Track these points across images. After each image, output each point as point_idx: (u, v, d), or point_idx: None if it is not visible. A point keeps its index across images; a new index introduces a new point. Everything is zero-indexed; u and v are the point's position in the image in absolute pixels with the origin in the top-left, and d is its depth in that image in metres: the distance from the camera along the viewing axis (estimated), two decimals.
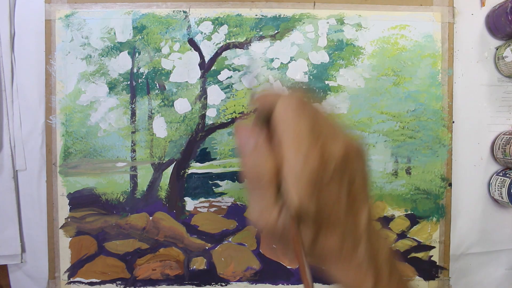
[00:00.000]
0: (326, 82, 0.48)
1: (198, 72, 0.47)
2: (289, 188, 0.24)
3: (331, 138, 0.27)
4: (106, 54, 0.46)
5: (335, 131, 0.28)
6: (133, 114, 0.47)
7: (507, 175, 0.47)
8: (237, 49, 0.47)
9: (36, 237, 0.47)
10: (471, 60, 0.49)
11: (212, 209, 0.47)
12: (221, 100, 0.47)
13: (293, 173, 0.24)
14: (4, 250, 0.46)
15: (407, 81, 0.48)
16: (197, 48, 0.47)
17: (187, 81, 0.47)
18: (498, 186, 0.48)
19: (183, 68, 0.47)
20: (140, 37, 0.46)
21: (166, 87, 0.47)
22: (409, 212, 0.49)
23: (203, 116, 0.47)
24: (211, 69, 0.47)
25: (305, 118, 0.26)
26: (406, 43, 0.48)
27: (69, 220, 0.46)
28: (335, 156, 0.25)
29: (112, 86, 0.46)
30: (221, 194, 0.47)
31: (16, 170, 0.47)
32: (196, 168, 0.47)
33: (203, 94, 0.47)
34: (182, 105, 0.47)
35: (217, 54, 0.47)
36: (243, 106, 0.47)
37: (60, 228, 0.46)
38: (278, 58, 0.47)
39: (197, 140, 0.47)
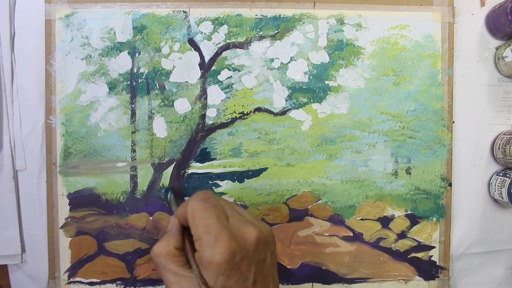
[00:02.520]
0: (326, 82, 0.48)
1: (198, 72, 0.47)
2: (202, 271, 0.28)
3: (243, 223, 0.30)
4: (106, 54, 0.46)
5: (246, 217, 0.31)
6: (133, 114, 0.47)
7: (507, 175, 0.47)
8: (237, 49, 0.47)
9: (36, 237, 0.47)
10: (471, 60, 0.49)
11: None
12: (221, 100, 0.47)
13: (204, 258, 0.27)
14: (4, 250, 0.46)
15: (407, 81, 0.48)
16: (197, 48, 0.47)
17: (187, 81, 0.47)
18: (498, 186, 0.48)
19: (183, 68, 0.47)
20: (140, 37, 0.46)
21: (166, 87, 0.47)
22: (409, 212, 0.49)
23: (203, 116, 0.47)
24: (211, 69, 0.47)
25: (210, 208, 0.29)
26: (406, 43, 0.48)
27: (69, 220, 0.46)
28: (249, 239, 0.29)
29: (112, 86, 0.46)
30: (221, 194, 0.47)
31: (16, 170, 0.47)
32: (196, 168, 0.47)
33: (203, 94, 0.47)
34: (182, 105, 0.47)
35: (217, 54, 0.47)
36: (243, 106, 0.47)
37: (60, 228, 0.46)
38: (278, 58, 0.47)
39: (197, 140, 0.47)
